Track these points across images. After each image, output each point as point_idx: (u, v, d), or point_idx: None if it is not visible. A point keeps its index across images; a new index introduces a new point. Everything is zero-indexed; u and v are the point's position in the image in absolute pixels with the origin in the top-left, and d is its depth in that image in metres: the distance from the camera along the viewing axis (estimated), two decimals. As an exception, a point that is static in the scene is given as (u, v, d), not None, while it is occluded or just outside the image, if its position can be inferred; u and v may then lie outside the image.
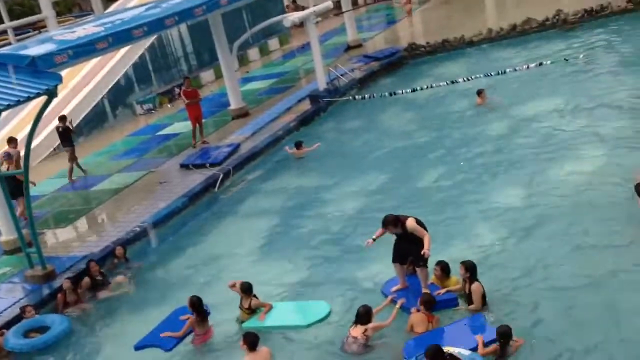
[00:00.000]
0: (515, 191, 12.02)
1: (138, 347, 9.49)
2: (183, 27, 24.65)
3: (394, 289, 9.47)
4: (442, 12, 29.98)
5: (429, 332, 8.46)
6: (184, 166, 16.56)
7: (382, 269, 10.00)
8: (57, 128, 17.41)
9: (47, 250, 12.87)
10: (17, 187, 13.24)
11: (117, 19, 15.96)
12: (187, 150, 17.87)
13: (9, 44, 26.95)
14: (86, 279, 11.55)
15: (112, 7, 27.24)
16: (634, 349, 7.61)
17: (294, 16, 20.90)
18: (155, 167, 17.14)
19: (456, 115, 16.94)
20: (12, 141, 14.82)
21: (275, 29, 28.53)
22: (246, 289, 9.72)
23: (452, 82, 18.43)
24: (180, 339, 9.42)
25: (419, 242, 8.93)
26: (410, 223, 9.02)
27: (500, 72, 18.45)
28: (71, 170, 17.24)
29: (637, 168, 11.26)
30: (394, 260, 9.40)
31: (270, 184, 15.27)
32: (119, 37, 14.63)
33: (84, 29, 14.62)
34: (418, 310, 8.65)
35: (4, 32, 31.28)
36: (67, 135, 17.07)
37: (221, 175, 15.53)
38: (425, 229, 9.13)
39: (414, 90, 18.79)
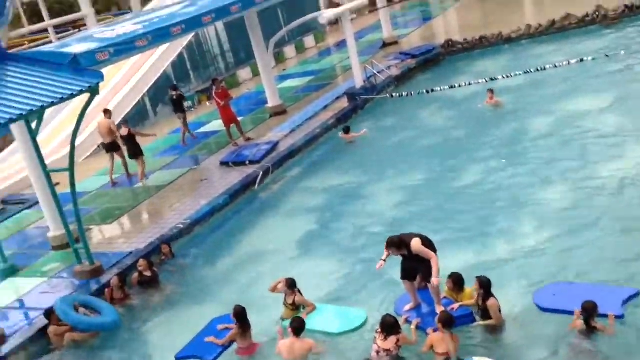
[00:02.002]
0: (558, 190, 11.94)
1: (179, 358, 9.39)
2: (220, 25, 24.92)
3: (407, 307, 9.16)
4: (479, 8, 29.81)
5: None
6: (224, 164, 16.78)
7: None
8: (171, 96, 19.63)
9: (94, 246, 13.16)
10: (134, 148, 16.57)
11: (155, 17, 16.17)
12: (226, 147, 18.09)
13: (50, 42, 27.51)
14: (134, 276, 11.80)
15: (150, 6, 27.59)
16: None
17: (329, 13, 20.99)
18: (196, 164, 17.38)
19: (495, 113, 16.88)
20: (107, 112, 17.13)
21: (311, 26, 28.65)
22: (291, 285, 9.75)
23: (491, 80, 18.34)
24: (224, 348, 9.30)
25: (425, 260, 8.65)
26: (415, 245, 8.62)
27: (539, 68, 18.34)
28: (184, 134, 19.40)
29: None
30: (403, 277, 9.04)
31: (309, 181, 15.39)
32: (158, 35, 14.72)
33: (123, 27, 14.83)
34: (435, 330, 8.26)
35: (45, 30, 31.93)
36: (179, 103, 19.13)
37: (261, 173, 15.70)
38: (433, 248, 8.75)
39: (452, 87, 18.76)
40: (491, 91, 17.20)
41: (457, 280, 9.03)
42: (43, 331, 10.63)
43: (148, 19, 15.96)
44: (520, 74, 18.31)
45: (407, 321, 8.82)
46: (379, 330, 8.25)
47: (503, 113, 16.74)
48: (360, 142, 17.12)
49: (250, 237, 13.24)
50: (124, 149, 17.14)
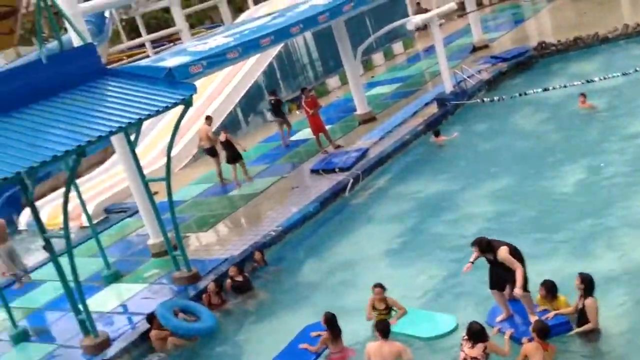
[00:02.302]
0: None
1: None
2: (308, 34, 25.21)
3: (499, 318, 9.00)
4: (573, 8, 28.91)
5: None
6: (314, 171, 16.97)
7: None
8: (270, 101, 20.64)
9: (191, 253, 13.62)
10: (232, 153, 17.39)
11: (245, 29, 16.58)
12: (316, 155, 18.29)
13: (148, 56, 28.67)
14: (227, 281, 12.13)
15: (241, 18, 28.30)
16: None
17: (417, 19, 20.84)
18: (287, 172, 17.68)
19: (591, 116, 16.34)
20: (208, 118, 18.14)
21: (399, 32, 28.55)
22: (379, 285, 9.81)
23: (588, 82, 17.77)
24: (317, 355, 9.41)
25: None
26: (502, 253, 8.52)
27: (638, 69, 17.62)
28: (284, 134, 20.28)
29: None
30: (491, 288, 8.95)
31: (400, 188, 15.36)
32: (248, 47, 15.06)
33: (215, 40, 15.28)
34: (530, 340, 8.02)
35: (142, 45, 33.30)
36: (278, 107, 19.87)
37: (351, 180, 15.79)
38: (520, 259, 8.59)
39: (545, 90, 18.28)
40: (583, 95, 16.66)
41: (550, 288, 8.81)
42: (145, 335, 11.09)
43: (239, 31, 16.38)
44: (618, 75, 17.65)
45: (500, 332, 8.66)
46: (466, 337, 8.15)
47: (600, 116, 16.19)
48: (451, 147, 16.98)
49: (341, 243, 13.34)
50: (222, 155, 17.81)
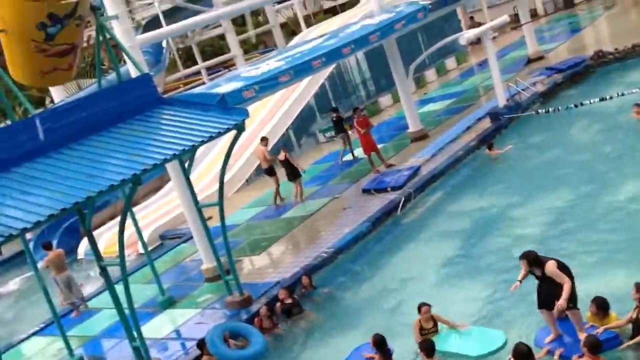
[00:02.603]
0: None
1: None
2: (360, 54, 25.23)
3: (548, 339, 8.80)
4: (631, 15, 28.10)
5: None
6: (366, 191, 16.89)
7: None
8: (332, 118, 21.03)
9: (244, 276, 13.71)
10: (292, 171, 17.74)
11: (297, 52, 16.66)
12: (368, 175, 18.20)
13: (203, 83, 29.19)
14: (277, 305, 12.12)
15: (293, 41, 28.55)
16: None
17: (469, 34, 20.64)
18: (339, 193, 17.63)
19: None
20: (264, 139, 18.73)
21: (452, 47, 28.33)
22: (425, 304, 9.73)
23: (646, 89, 17.17)
24: None
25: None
26: (550, 267, 8.40)
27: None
28: (344, 153, 20.59)
29: None
30: (540, 307, 8.81)
31: (452, 205, 15.11)
32: (300, 69, 15.13)
33: (267, 64, 15.41)
34: (581, 357, 7.84)
35: (198, 72, 33.96)
36: (340, 124, 20.14)
37: (402, 199, 15.63)
38: (569, 274, 8.43)
39: (602, 100, 17.73)
40: (638, 105, 16.06)
41: (600, 304, 8.59)
42: (199, 360, 11.17)
43: (291, 54, 16.49)
44: (678, 81, 17.01)
45: (550, 352, 8.43)
46: (512, 359, 7.92)
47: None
48: (504, 161, 16.65)
49: (392, 263, 13.20)
50: (280, 172, 18.22)
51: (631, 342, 8.11)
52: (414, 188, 16.10)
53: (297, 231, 15.91)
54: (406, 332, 10.04)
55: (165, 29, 17.06)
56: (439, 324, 9.79)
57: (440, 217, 14.67)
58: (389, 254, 13.62)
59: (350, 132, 23.38)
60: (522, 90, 20.43)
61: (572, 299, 8.42)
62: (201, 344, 11.08)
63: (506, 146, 17.31)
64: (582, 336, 8.25)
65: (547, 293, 8.59)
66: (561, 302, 8.25)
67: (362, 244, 14.38)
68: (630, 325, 8.35)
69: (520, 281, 8.87)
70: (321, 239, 14.80)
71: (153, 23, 28.55)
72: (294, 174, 17.95)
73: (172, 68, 35.60)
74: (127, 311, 10.81)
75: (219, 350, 10.83)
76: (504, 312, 10.08)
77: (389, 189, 16.41)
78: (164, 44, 30.35)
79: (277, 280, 13.25)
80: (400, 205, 15.48)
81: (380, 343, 9.21)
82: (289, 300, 12.04)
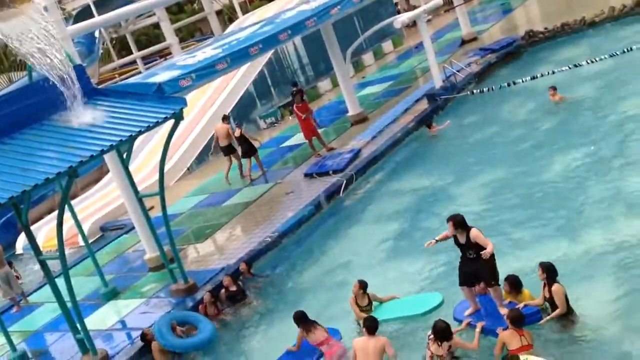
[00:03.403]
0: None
1: None
2: (297, 39, 25.24)
3: (467, 312, 9.12)
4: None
5: None
6: (308, 175, 16.98)
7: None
8: (292, 92, 20.82)
9: (189, 264, 13.68)
10: (249, 147, 18.28)
11: (234, 39, 16.59)
12: (310, 159, 18.29)
13: (139, 72, 28.75)
14: (222, 291, 12.13)
15: (230, 29, 28.34)
16: None
17: (404, 17, 20.91)
18: (282, 178, 17.69)
19: (581, 101, 16.30)
20: (225, 118, 19.06)
21: (388, 31, 28.59)
22: (363, 286, 10.02)
23: (575, 66, 17.73)
24: (317, 355, 9.46)
25: (485, 261, 8.54)
26: (475, 231, 8.68)
27: (626, 49, 17.54)
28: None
29: None
30: (461, 284, 9.08)
31: (393, 186, 15.36)
32: (237, 57, 15.10)
33: (204, 52, 15.31)
34: (505, 329, 8.11)
35: (134, 61, 33.40)
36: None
37: (344, 182, 15.79)
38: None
39: (533, 78, 18.25)
40: (553, 88, 16.55)
41: (513, 283, 8.94)
42: (144, 350, 11.07)
43: (227, 42, 16.41)
44: (605, 58, 17.60)
45: (471, 325, 8.76)
46: (432, 336, 8.21)
47: (589, 99, 16.14)
48: (442, 141, 17.01)
49: (336, 245, 13.34)
50: (239, 150, 18.56)
51: (550, 316, 8.48)
52: (355, 170, 16.27)
53: (240, 217, 15.90)
54: (350, 311, 10.19)
55: (97, 18, 16.82)
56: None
57: (381, 198, 14.88)
58: (332, 236, 13.76)
59: (290, 118, 23.49)
60: (457, 71, 20.81)
61: (495, 276, 8.74)
62: (145, 336, 11.00)
63: (445, 122, 17.76)
64: (503, 311, 8.62)
65: (470, 269, 8.85)
66: (487, 252, 8.41)
67: (305, 227, 14.48)
68: (547, 303, 8.67)
69: (437, 240, 9.17)
70: (265, 224, 14.82)
71: (84, 13, 27.97)
72: (250, 150, 18.29)
73: (107, 58, 34.92)
74: (69, 304, 10.68)
75: (167, 340, 10.78)
76: (441, 283, 10.38)
77: (330, 172, 16.54)
78: (96, 34, 29.77)
79: (222, 267, 13.24)
80: (342, 188, 15.64)
81: (298, 318, 9.53)
82: (233, 287, 12.05)
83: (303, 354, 9.55)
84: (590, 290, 8.91)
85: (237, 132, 18.42)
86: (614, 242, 9.91)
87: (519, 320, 8.02)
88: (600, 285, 8.96)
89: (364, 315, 9.57)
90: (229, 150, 18.65)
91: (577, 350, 8.05)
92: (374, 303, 10.14)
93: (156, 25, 34.29)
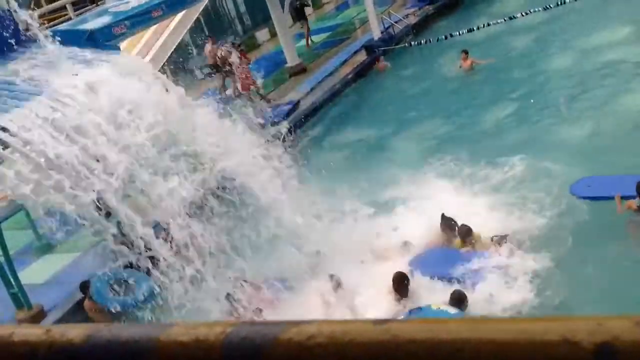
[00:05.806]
0: (585, 127, 11.80)
1: None
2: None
3: None
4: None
5: None
6: (247, 127, 16.81)
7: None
8: (295, 6, 21.38)
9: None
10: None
11: (169, -15, 16.08)
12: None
13: (70, 19, 27.65)
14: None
15: (164, -25, 27.44)
16: None
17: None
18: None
19: (516, 52, 16.61)
20: (211, 38, 19.70)
21: (327, -20, 28.27)
22: None
23: (510, 18, 17.97)
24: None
25: None
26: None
27: (559, 2, 17.84)
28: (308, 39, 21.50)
29: None
30: None
31: (332, 138, 15.42)
32: (172, 3, 14.67)
33: (138, -1, 14.82)
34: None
35: (64, 7, 32.09)
36: (302, 10, 20.73)
37: (283, 134, 15.69)
38: None
39: (470, 31, 18.42)
40: (465, 52, 16.52)
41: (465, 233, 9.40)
42: (81, 304, 10.94)
43: (162, -13, 15.87)
44: (539, 10, 17.88)
45: None
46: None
47: (525, 52, 16.43)
48: (380, 93, 17.02)
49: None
50: None
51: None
52: (294, 122, 16.20)
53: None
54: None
55: (24, -40, 15.92)
56: None
57: (320, 150, 14.91)
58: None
59: (228, 69, 23.06)
60: (396, 22, 20.81)
61: None
62: (85, 287, 10.85)
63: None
64: None
65: None
66: None
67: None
68: None
69: None
70: (203, 175, 14.66)
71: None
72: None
73: (35, 4, 33.44)
74: (1, 258, 10.42)
75: (105, 299, 10.66)
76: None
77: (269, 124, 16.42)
78: (23, -23, 28.40)
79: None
80: (281, 141, 15.55)
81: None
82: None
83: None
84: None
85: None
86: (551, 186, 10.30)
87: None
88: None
89: None
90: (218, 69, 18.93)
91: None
92: None
93: (87, -30, 32.88)
